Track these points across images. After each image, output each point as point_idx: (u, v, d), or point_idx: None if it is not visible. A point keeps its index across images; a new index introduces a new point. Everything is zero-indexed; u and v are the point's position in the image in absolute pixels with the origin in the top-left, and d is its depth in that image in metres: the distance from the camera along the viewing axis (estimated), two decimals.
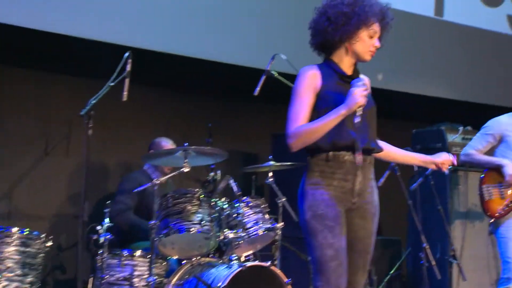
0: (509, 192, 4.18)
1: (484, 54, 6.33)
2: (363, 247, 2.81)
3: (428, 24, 6.05)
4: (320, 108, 2.76)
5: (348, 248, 2.77)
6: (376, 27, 2.81)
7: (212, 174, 4.13)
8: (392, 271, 5.10)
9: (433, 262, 4.13)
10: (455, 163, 3.01)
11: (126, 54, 3.58)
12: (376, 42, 2.83)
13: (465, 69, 6.19)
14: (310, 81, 2.79)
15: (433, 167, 3.05)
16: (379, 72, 5.61)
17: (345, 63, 2.86)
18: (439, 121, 5.37)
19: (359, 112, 2.65)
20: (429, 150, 5.25)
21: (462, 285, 4.94)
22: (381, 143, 2.97)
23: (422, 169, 4.99)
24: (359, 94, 2.65)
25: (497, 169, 4.22)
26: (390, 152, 3.04)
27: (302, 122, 2.75)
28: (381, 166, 4.61)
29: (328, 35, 2.80)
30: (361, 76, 2.89)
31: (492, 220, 4.22)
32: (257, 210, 4.05)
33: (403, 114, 5.95)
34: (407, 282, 5.37)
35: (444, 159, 3.03)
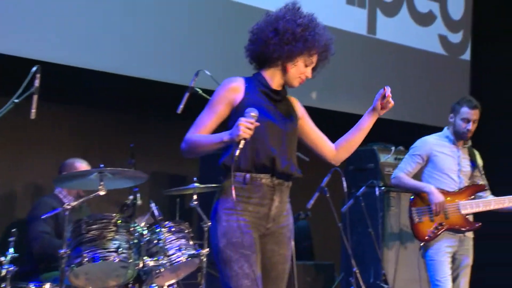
0: (438, 216, 4.15)
1: (416, 73, 6.33)
2: (277, 274, 2.70)
3: (361, 42, 6.01)
4: (233, 123, 2.60)
5: (262, 275, 2.64)
6: (315, 58, 2.72)
7: (131, 197, 3.90)
8: None
9: (363, 287, 4.02)
10: (387, 93, 2.85)
11: (34, 68, 3.32)
12: (308, 72, 2.74)
13: (397, 88, 6.13)
14: (228, 94, 2.67)
15: (381, 110, 2.89)
16: (313, 90, 5.54)
17: (275, 82, 2.74)
18: (372, 140, 5.30)
19: (241, 145, 2.51)
20: (362, 171, 5.23)
21: None
22: (334, 144, 2.89)
23: (353, 191, 4.95)
24: (244, 126, 2.50)
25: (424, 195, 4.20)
26: (345, 142, 2.92)
27: (201, 132, 2.65)
28: (310, 187, 4.53)
29: (268, 48, 2.68)
30: (289, 97, 2.79)
31: (422, 243, 4.19)
32: (181, 235, 3.86)
33: (336, 133, 5.86)
34: None
35: (380, 98, 2.88)
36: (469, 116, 4.21)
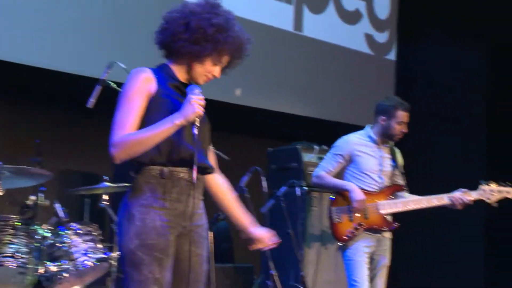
0: (357, 215, 4.09)
1: (342, 71, 6.27)
2: (196, 276, 2.54)
3: (287, 38, 5.89)
4: (152, 116, 2.44)
5: (177, 278, 2.48)
6: (225, 59, 2.56)
7: (33, 197, 3.64)
8: None
9: None
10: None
11: None
12: (217, 72, 2.57)
13: (322, 86, 6.12)
14: (143, 85, 2.47)
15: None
16: (237, 87, 5.40)
17: (182, 75, 2.58)
18: (295, 139, 5.21)
19: (197, 122, 2.41)
20: (285, 170, 5.12)
21: None
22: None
23: (275, 191, 4.83)
24: (197, 103, 2.40)
25: (346, 193, 4.13)
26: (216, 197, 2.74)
27: (130, 130, 2.42)
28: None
29: (176, 42, 2.51)
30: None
31: (341, 244, 4.13)
32: (88, 238, 3.66)
33: (259, 131, 5.75)
34: None
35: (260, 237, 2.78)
36: (404, 119, 4.17)
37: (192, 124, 2.42)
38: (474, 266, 6.89)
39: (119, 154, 2.41)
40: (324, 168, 4.25)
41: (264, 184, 4.06)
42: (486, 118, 6.96)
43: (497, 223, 7.14)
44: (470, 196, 4.09)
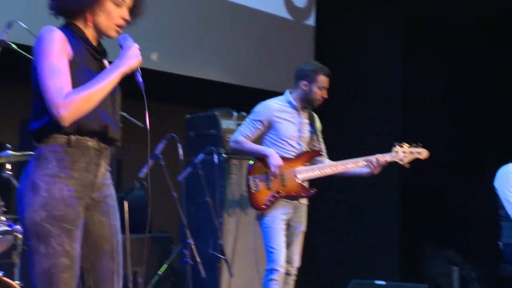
0: (275, 183, 4.04)
1: (260, 36, 6.14)
2: (111, 247, 2.41)
3: (204, 1, 5.70)
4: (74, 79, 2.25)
5: (92, 251, 2.38)
6: None
7: None
8: (160, 271, 4.68)
9: (198, 259, 3.79)
10: None
11: None
12: (124, 14, 2.38)
13: (241, 51, 5.98)
14: (63, 45, 2.28)
15: None
16: (153, 51, 5.18)
17: (90, 36, 2.39)
18: (213, 106, 5.07)
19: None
20: (204, 137, 4.99)
21: (233, 281, 4.68)
22: None
23: (192, 158, 4.70)
24: (137, 50, 2.31)
25: (264, 159, 4.06)
26: None
27: (70, 89, 2.22)
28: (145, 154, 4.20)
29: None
30: None
31: (259, 213, 4.07)
32: None
33: (177, 97, 5.58)
34: (178, 282, 4.99)
35: None
36: (325, 84, 4.13)
37: (133, 74, 2.31)
38: (389, 232, 7.03)
39: (69, 114, 2.21)
40: (242, 133, 4.15)
41: (181, 151, 3.91)
42: (402, 84, 7.05)
43: (411, 188, 7.33)
44: (385, 158, 4.09)
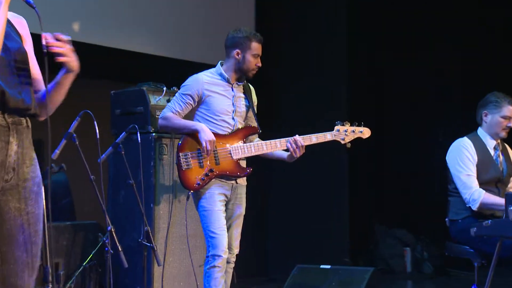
0: (208, 161, 3.75)
1: (191, 4, 5.76)
2: (26, 237, 2.20)
3: None
4: None
5: (4, 242, 2.16)
6: None
7: None
8: (85, 262, 4.31)
9: (119, 248, 3.45)
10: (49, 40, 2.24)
11: None
12: None
13: (170, 21, 5.58)
14: None
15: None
16: (74, 21, 4.78)
17: None
18: (141, 80, 4.68)
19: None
20: (131, 114, 4.61)
21: (168, 270, 4.36)
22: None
23: (114, 137, 4.36)
24: None
25: (195, 135, 3.76)
26: (51, 98, 2.29)
27: None
28: (58, 133, 3.85)
29: None
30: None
31: (190, 192, 3.78)
32: None
33: (101, 72, 5.18)
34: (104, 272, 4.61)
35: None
36: (259, 51, 3.86)
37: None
38: (339, 214, 6.83)
39: None
40: (171, 108, 3.84)
41: (97, 129, 3.55)
42: (347, 58, 6.82)
43: (361, 169, 7.14)
44: (325, 137, 3.86)
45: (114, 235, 3.42)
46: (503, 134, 4.05)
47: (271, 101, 6.12)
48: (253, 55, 3.85)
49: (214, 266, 3.73)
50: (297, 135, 3.82)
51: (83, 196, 4.87)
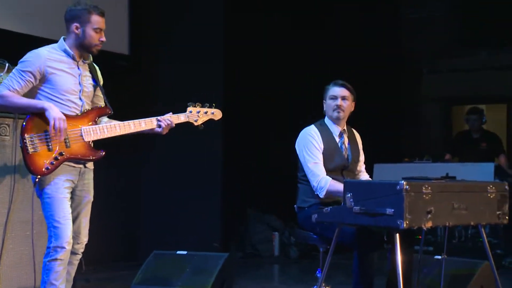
0: (57, 144, 3.38)
1: None
2: None
3: None
4: None
5: None
6: None
7: None
8: None
9: None
10: None
11: None
12: None
13: None
14: None
15: None
16: None
17: None
18: None
19: None
20: None
21: (5, 259, 3.98)
22: None
23: None
24: None
25: (42, 114, 3.37)
26: None
27: None
28: None
29: None
30: None
31: (37, 178, 3.39)
32: None
33: None
34: None
35: None
36: (101, 25, 3.54)
37: None
38: (212, 199, 6.66)
39: None
40: (9, 86, 3.42)
41: None
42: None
43: (234, 154, 6.98)
44: (179, 119, 3.67)
45: None
46: (336, 114, 3.95)
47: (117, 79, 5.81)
48: (94, 29, 3.52)
49: (56, 259, 3.41)
50: (165, 115, 3.64)
51: None
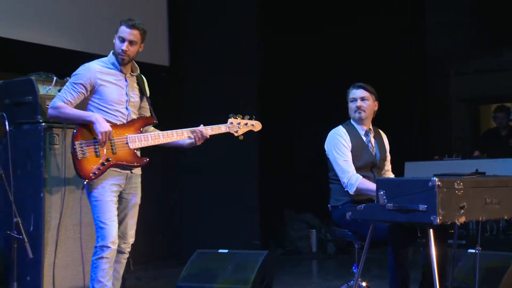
0: (104, 150, 3.40)
1: None
2: None
3: None
4: None
5: None
6: None
7: None
8: None
9: (25, 239, 3.04)
10: None
11: None
12: None
13: (62, 10, 5.09)
14: None
15: None
16: None
17: None
18: (30, 70, 4.23)
19: None
20: (20, 105, 4.15)
21: (60, 259, 3.96)
22: None
23: (11, 129, 3.95)
24: None
25: (89, 126, 3.41)
26: None
27: None
28: None
29: None
30: None
31: (85, 182, 3.41)
32: None
33: None
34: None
35: None
36: (126, 35, 3.47)
37: None
38: (250, 200, 6.58)
39: None
40: (62, 98, 3.45)
41: None
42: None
43: (269, 157, 6.90)
44: (220, 129, 3.64)
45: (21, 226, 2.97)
46: (357, 115, 3.84)
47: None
48: (118, 38, 3.51)
49: (102, 257, 3.43)
50: (201, 125, 3.60)
51: None
